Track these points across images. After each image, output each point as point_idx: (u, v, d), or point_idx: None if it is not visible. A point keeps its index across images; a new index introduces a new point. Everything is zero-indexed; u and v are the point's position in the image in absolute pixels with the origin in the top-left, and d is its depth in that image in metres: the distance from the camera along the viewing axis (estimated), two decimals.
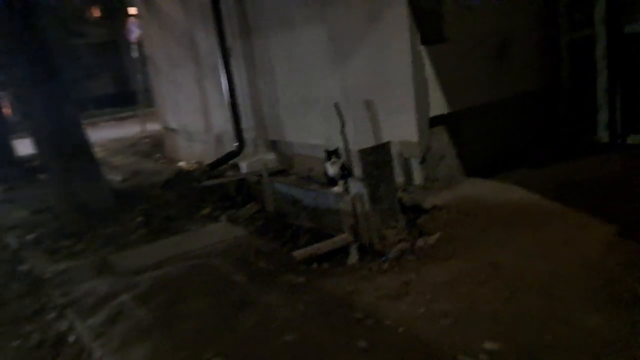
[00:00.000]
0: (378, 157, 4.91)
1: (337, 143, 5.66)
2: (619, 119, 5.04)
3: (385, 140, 5.14)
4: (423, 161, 4.94)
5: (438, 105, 4.92)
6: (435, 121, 4.95)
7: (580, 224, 3.96)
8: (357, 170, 5.50)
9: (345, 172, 5.26)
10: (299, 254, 4.83)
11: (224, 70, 7.07)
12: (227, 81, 7.10)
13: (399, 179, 5.15)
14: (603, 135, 5.18)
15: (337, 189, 5.25)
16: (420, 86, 4.76)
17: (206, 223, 5.68)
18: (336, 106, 5.48)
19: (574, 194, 4.46)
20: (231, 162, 7.53)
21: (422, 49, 4.73)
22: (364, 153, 4.85)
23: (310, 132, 6.23)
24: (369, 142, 5.28)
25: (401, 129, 4.97)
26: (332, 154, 5.16)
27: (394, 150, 5.00)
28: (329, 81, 5.68)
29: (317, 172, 6.33)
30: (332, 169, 5.20)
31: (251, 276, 4.11)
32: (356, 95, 5.37)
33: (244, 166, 6.91)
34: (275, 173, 6.67)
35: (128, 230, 5.67)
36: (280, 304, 3.60)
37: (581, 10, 5.14)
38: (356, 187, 5.09)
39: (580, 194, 4.44)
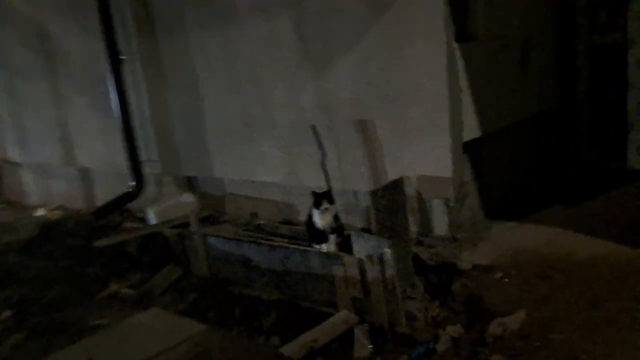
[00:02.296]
0: (391, 200, 3.50)
1: (304, 180, 4.12)
2: None
3: (391, 175, 3.72)
4: (454, 203, 3.57)
5: (470, 127, 3.61)
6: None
7: None
8: (349, 219, 4.00)
9: (339, 223, 3.71)
10: (292, 351, 3.18)
11: (114, 83, 5.07)
12: (118, 97, 5.10)
13: (411, 227, 3.74)
14: (635, 161, 4.27)
15: (327, 246, 3.67)
16: (455, 100, 3.41)
17: (124, 310, 3.70)
18: (314, 130, 3.92)
19: None
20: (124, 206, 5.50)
21: (457, 48, 3.39)
22: (376, 196, 3.39)
23: (256, 165, 4.55)
24: (364, 179, 3.82)
25: (423, 159, 3.56)
26: (322, 197, 3.58)
27: (407, 190, 3.61)
28: (295, 96, 4.09)
29: (267, 218, 4.66)
30: (323, 219, 3.61)
31: None
32: (343, 114, 3.86)
33: (151, 213, 4.97)
34: (199, 221, 4.88)
35: None
36: None
37: (608, 9, 4.22)
38: (368, 243, 3.55)
39: None
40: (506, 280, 3.27)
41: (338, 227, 3.68)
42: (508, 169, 4.15)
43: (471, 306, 3.24)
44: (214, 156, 4.86)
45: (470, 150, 3.75)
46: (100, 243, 4.64)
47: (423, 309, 3.43)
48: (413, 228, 3.75)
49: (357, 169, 3.89)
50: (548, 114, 4.47)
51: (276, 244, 4.00)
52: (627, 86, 4.19)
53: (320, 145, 3.89)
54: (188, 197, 5.07)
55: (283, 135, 4.24)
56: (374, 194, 3.37)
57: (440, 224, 3.67)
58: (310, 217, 3.72)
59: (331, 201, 3.59)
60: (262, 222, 4.57)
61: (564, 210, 4.02)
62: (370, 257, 3.30)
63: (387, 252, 3.23)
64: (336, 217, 3.66)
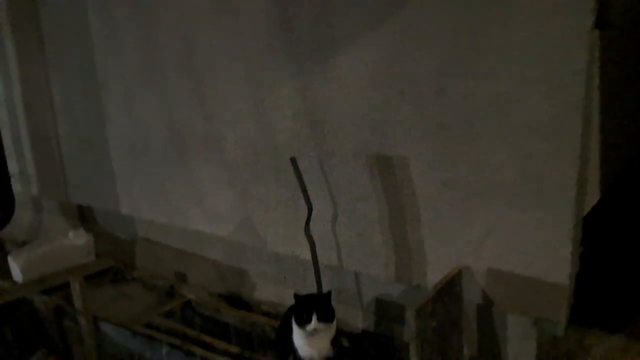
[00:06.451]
0: (444, 316, 1.87)
1: (267, 240, 2.41)
2: None
3: (431, 259, 2.06)
4: (561, 330, 1.93)
5: (593, 187, 1.96)
6: None
7: None
8: (343, 311, 2.30)
9: (338, 347, 2.00)
10: None
11: None
12: None
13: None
14: None
15: None
16: (586, 136, 1.75)
17: None
18: (293, 163, 2.17)
19: None
20: None
21: (597, 39, 1.72)
22: (423, 316, 1.76)
23: (189, 205, 2.77)
24: (377, 257, 2.15)
25: (505, 240, 1.88)
26: (312, 308, 1.86)
27: (466, 292, 1.98)
28: (261, 101, 2.33)
29: (202, 286, 2.91)
30: (310, 346, 1.91)
31: None
32: (348, 141, 2.14)
33: (16, 268, 3.10)
34: (94, 276, 3.15)
35: None
36: None
37: None
38: None
39: None
40: None
41: (337, 355, 1.98)
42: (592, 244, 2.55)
43: None
44: (120, 182, 3.02)
45: None
46: None
47: None
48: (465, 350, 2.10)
49: (365, 238, 2.18)
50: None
51: (217, 357, 2.27)
52: None
53: (303, 190, 2.17)
54: (78, 237, 3.20)
55: (236, 163, 2.48)
56: (419, 313, 1.69)
57: (518, 354, 2.03)
58: (283, 329, 2.02)
59: (329, 317, 1.88)
60: (193, 297, 2.80)
61: None
62: None
63: None
64: (335, 340, 1.95)
